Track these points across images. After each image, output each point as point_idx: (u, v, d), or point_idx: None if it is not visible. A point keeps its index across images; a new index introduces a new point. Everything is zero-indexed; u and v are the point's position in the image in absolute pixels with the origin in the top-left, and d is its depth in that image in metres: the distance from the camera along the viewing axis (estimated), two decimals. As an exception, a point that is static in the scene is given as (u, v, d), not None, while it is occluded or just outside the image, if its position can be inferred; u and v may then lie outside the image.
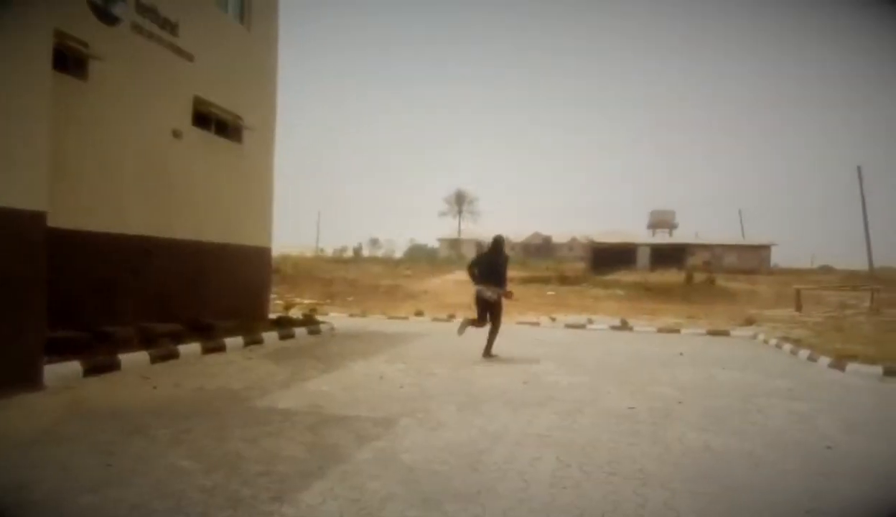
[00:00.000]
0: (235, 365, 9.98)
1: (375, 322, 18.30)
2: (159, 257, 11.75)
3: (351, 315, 20.16)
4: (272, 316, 15.77)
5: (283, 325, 14.22)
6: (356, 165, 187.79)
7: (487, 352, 11.44)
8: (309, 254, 75.13)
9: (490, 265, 11.79)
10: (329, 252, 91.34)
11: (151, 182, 11.66)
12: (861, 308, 24.45)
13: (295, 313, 17.07)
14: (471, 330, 12.08)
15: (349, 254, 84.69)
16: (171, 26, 11.72)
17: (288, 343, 12.90)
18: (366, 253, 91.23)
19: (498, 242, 12.25)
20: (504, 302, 11.95)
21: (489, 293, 11.61)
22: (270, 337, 12.87)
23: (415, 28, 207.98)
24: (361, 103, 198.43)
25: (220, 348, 11.24)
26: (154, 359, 9.68)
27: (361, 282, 35.43)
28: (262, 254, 15.55)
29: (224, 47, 13.71)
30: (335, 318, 18.01)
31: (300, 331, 14.02)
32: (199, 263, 12.88)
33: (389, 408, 7.30)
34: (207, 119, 13.36)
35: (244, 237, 14.57)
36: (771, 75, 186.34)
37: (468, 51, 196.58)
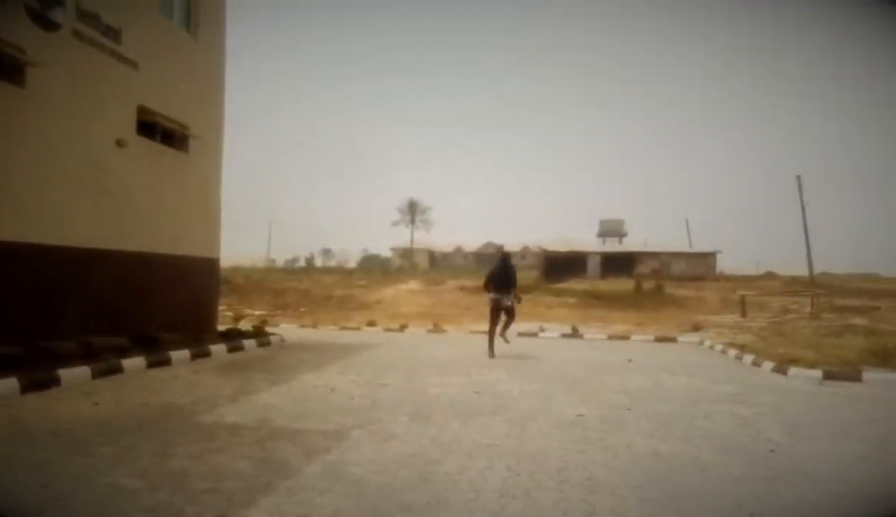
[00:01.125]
0: (182, 379, 9.76)
1: (327, 333, 18.12)
2: (103, 269, 11.44)
3: (302, 326, 19.95)
4: (221, 328, 15.49)
5: (232, 338, 13.97)
6: (308, 175, 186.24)
7: (503, 335, 13.60)
8: (260, 264, 74.16)
9: (502, 277, 13.51)
10: (281, 262, 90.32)
11: (94, 192, 11.36)
12: (802, 313, 25.21)
13: (245, 325, 16.78)
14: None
15: (301, 264, 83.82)
16: (113, 33, 11.45)
17: (237, 355, 12.67)
18: (318, 263, 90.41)
19: (506, 257, 14.14)
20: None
21: (506, 301, 13.40)
22: (219, 349, 12.62)
23: (367, 38, 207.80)
24: (313, 113, 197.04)
25: (166, 362, 10.96)
26: (96, 374, 9.39)
27: (313, 292, 35.10)
28: (210, 265, 15.27)
29: (169, 55, 13.46)
30: (286, 330, 17.80)
31: (250, 344, 13.78)
32: (145, 275, 12.58)
33: (340, 421, 7.22)
34: (153, 128, 13.07)
35: (191, 248, 14.29)
36: (719, 85, 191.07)
37: (420, 61, 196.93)
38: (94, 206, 11.37)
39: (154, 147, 13.15)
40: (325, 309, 26.99)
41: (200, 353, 11.97)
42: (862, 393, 9.74)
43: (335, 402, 8.27)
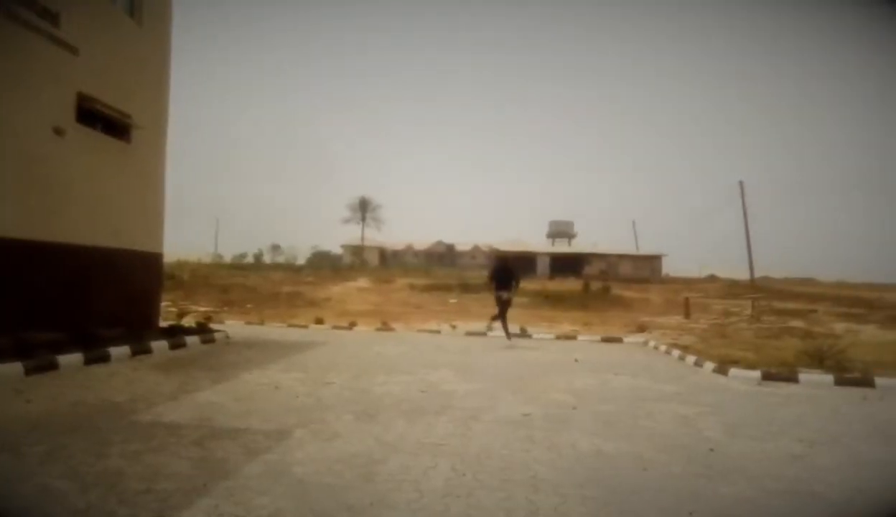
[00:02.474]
0: (120, 376, 9.47)
1: (274, 330, 17.84)
2: (38, 262, 11.04)
3: (248, 323, 19.59)
4: (164, 324, 15.12)
5: (175, 334, 13.62)
6: (258, 171, 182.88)
7: (507, 337, 16.17)
8: (207, 260, 72.83)
9: (502, 276, 16.26)
10: (228, 258, 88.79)
11: (29, 182, 10.94)
12: (743, 315, 25.86)
13: (189, 321, 16.41)
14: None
15: (249, 260, 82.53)
16: (51, 16, 10.98)
17: (179, 352, 12.36)
18: (267, 259, 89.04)
19: (506, 259, 18.17)
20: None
21: (506, 295, 16.11)
22: (160, 346, 12.30)
23: (319, 33, 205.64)
24: (264, 107, 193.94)
25: (105, 358, 10.64)
26: (29, 371, 9.05)
27: (261, 289, 34.60)
28: (152, 259, 14.87)
29: (112, 42, 13.05)
30: (232, 326, 17.48)
31: (193, 340, 13.47)
32: (83, 268, 12.18)
33: (283, 420, 7.10)
34: (93, 116, 12.64)
35: (133, 241, 13.90)
36: (667, 91, 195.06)
37: (372, 58, 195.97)
38: (29, 195, 10.95)
39: (94, 136, 12.72)
40: (272, 306, 26.58)
41: (141, 350, 11.66)
42: (798, 393, 10.02)
43: (279, 401, 8.12)
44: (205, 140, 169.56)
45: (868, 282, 65.61)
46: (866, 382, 10.64)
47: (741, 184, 56.38)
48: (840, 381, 10.72)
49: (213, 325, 15.76)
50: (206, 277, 40.04)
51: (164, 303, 19.07)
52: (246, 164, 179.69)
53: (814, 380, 10.88)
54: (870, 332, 19.01)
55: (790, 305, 31.34)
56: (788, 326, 21.03)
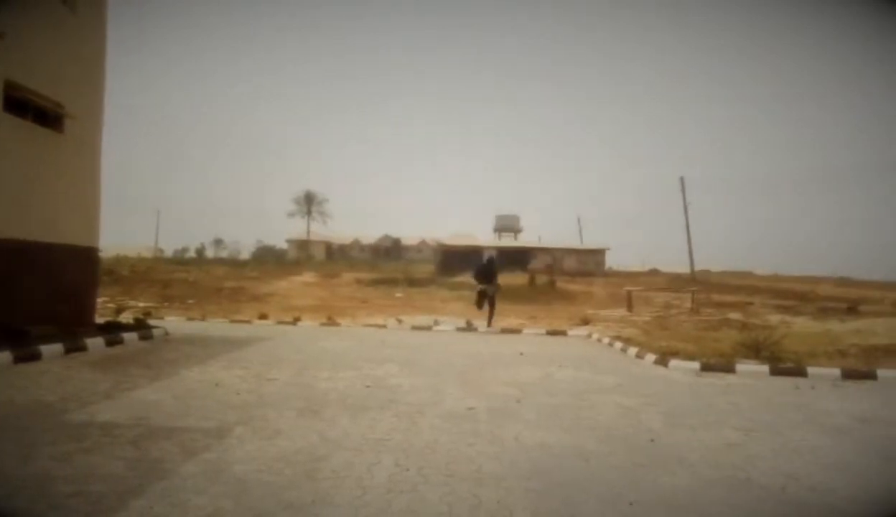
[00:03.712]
0: (52, 374, 9.12)
1: (216, 326, 17.46)
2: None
3: (190, 319, 19.12)
4: (100, 321, 14.64)
5: (111, 331, 13.20)
6: (199, 164, 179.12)
7: (490, 324, 18.05)
8: (147, 255, 71.08)
9: (487, 273, 18.43)
10: (170, 253, 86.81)
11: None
12: (683, 308, 26.41)
13: (127, 318, 15.93)
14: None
15: (191, 255, 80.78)
16: (-25, 0, 10.52)
17: (115, 350, 11.97)
18: (210, 254, 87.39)
19: (491, 258, 20.17)
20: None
21: (490, 290, 18.19)
22: (95, 343, 11.90)
23: (262, 23, 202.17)
24: (207, 99, 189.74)
25: (35, 356, 10.24)
26: (-46, 371, 8.65)
27: (203, 284, 33.85)
28: (87, 253, 14.37)
29: (43, 28, 12.52)
30: (172, 323, 17.04)
31: (130, 337, 13.07)
32: (12, 263, 11.68)
33: (223, 417, 6.94)
34: (23, 105, 12.13)
35: (66, 235, 13.40)
36: (612, 88, 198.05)
37: (319, 46, 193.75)
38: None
39: (24, 126, 12.19)
40: (214, 301, 26.03)
41: (75, 347, 11.26)
42: (735, 383, 10.29)
43: (219, 398, 7.94)
44: (146, 132, 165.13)
45: (801, 276, 68.03)
46: (799, 372, 11.00)
47: (682, 180, 57.66)
48: (775, 371, 11.06)
49: (152, 322, 15.33)
50: (146, 272, 39.00)
51: (101, 300, 18.50)
52: (188, 157, 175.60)
53: (750, 370, 11.19)
54: (802, 324, 19.64)
55: (728, 298, 32.17)
56: (726, 318, 21.58)
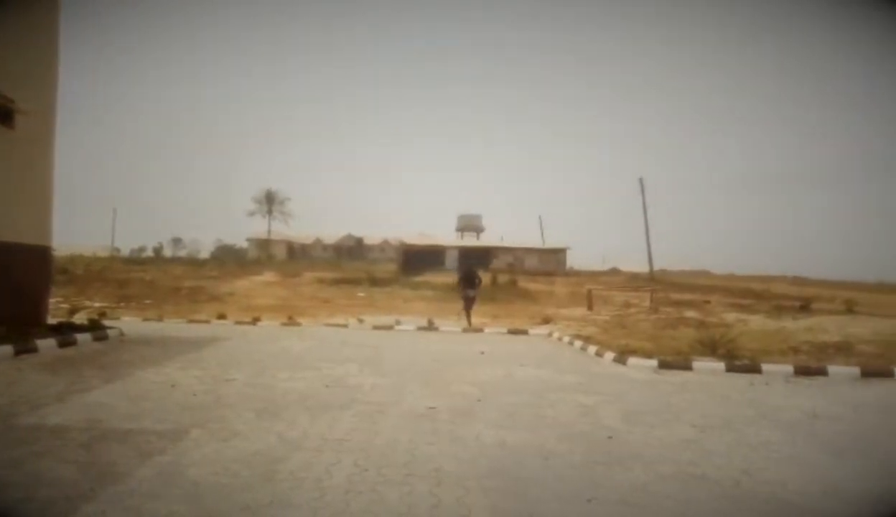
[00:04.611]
0: (1, 377, 8.86)
1: (173, 326, 17.15)
2: None
3: (146, 319, 18.75)
4: (53, 321, 14.27)
5: (64, 332, 12.88)
6: (157, 162, 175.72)
7: (468, 325, 18.83)
8: (103, 254, 69.60)
9: (468, 278, 20.08)
10: (126, 252, 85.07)
11: None
12: (642, 307, 26.77)
13: (81, 318, 15.56)
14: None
15: (149, 254, 79.28)
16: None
17: (68, 351, 11.68)
18: (168, 253, 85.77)
19: (472, 266, 22.23)
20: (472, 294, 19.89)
21: (471, 293, 19.81)
22: (47, 344, 11.59)
23: (220, 17, 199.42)
24: (165, 96, 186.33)
25: (-16, 359, 9.94)
26: None
27: (161, 283, 33.26)
28: (39, 252, 14.00)
29: (-8, 22, 12.17)
30: (128, 323, 16.69)
31: (84, 338, 12.76)
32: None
33: (179, 419, 6.83)
34: (-29, 100, 11.78)
35: (16, 233, 13.02)
36: (571, 87, 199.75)
37: (279, 43, 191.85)
38: None
39: (-28, 121, 11.85)
40: (172, 301, 25.57)
41: (25, 349, 10.96)
42: (692, 380, 10.46)
43: (175, 400, 7.80)
44: (103, 130, 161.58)
45: (757, 275, 69.56)
46: (754, 369, 11.22)
47: (641, 181, 58.45)
48: (730, 368, 11.27)
49: (107, 322, 14.99)
50: (102, 272, 38.23)
51: (54, 300, 18.06)
52: (146, 155, 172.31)
53: (707, 367, 11.39)
54: (757, 322, 20.04)
55: (686, 297, 32.70)
56: (684, 317, 21.93)
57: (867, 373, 10.98)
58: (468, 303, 19.68)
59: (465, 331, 18.14)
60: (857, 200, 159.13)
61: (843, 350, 13.40)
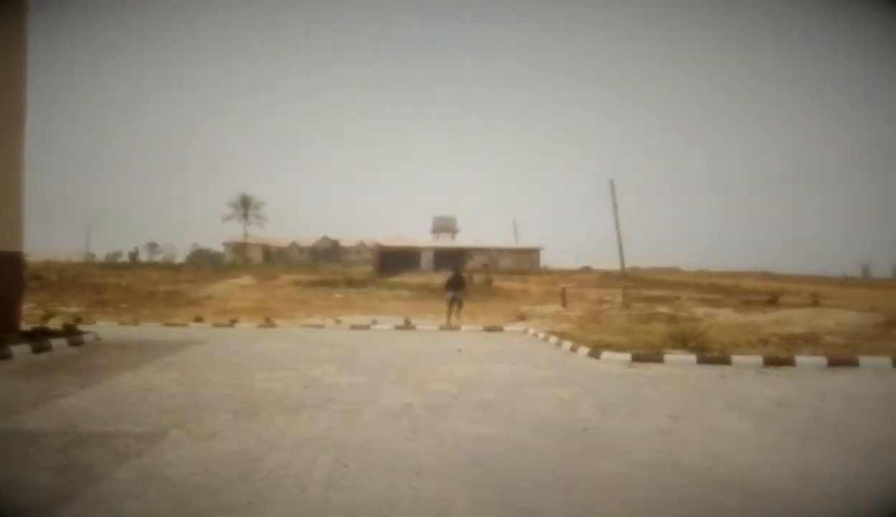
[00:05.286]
0: (-26, 384, 8.78)
1: (150, 330, 17.02)
2: None
3: (122, 323, 18.60)
4: (26, 327, 14.11)
5: (38, 337, 12.76)
6: (133, 167, 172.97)
7: (457, 325, 19.13)
8: (78, 259, 68.68)
9: (455, 283, 20.22)
10: (102, 257, 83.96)
11: None
12: (615, 303, 27.05)
13: (56, 324, 15.40)
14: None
15: (125, 259, 78.27)
16: None
17: (43, 356, 11.58)
18: (144, 258, 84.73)
19: (459, 269, 22.90)
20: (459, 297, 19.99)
21: (459, 295, 19.92)
22: (21, 351, 11.49)
23: (196, 22, 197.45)
24: (139, 100, 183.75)
25: (-44, 366, 9.82)
26: None
27: (137, 288, 32.96)
28: (10, 258, 13.82)
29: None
30: (104, 328, 16.53)
31: (59, 343, 12.66)
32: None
33: (157, 421, 6.83)
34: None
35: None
36: (543, 87, 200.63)
37: (253, 47, 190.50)
38: None
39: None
40: (149, 305, 25.35)
41: (-1, 355, 10.85)
42: (664, 372, 10.64)
43: (152, 402, 7.79)
44: (77, 136, 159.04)
45: (726, 271, 70.50)
46: (724, 360, 11.45)
47: (611, 182, 58.81)
48: (701, 361, 11.48)
49: (83, 327, 14.86)
50: (77, 277, 37.80)
51: (28, 305, 17.84)
52: (121, 160, 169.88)
53: (678, 360, 11.59)
54: (727, 316, 20.35)
55: (657, 293, 33.13)
56: (656, 312, 22.21)
57: (833, 363, 11.25)
58: (454, 305, 19.93)
59: (441, 329, 18.23)
60: (824, 198, 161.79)
61: (810, 341, 13.69)
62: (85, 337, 13.63)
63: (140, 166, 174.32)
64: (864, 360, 11.30)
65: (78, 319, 16.44)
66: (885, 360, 11.29)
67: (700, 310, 22.43)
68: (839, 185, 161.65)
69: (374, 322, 19.45)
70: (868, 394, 8.87)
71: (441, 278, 44.38)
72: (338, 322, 19.58)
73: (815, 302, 23.13)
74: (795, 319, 17.71)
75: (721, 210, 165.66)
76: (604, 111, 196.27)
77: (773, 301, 24.69)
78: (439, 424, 6.87)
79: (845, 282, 48.74)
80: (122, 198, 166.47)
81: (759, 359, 11.45)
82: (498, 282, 41.85)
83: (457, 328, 18.49)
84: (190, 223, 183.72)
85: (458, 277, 20.80)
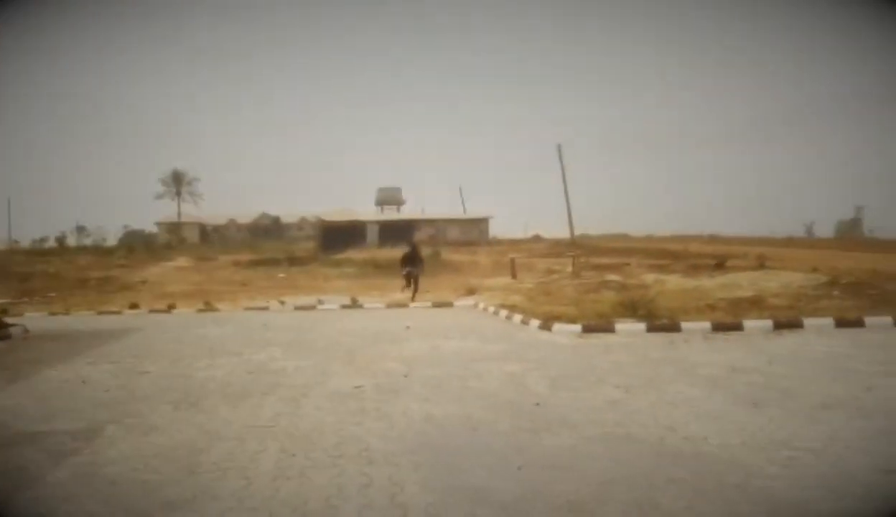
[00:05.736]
0: None
1: (82, 319, 16.35)
2: None
3: (52, 313, 17.82)
4: (-54, 322, 13.36)
5: (-39, 332, 12.09)
6: (54, 148, 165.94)
7: (413, 299, 19.23)
8: (0, 247, 65.96)
9: (412, 258, 20.37)
10: (26, 243, 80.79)
11: None
12: (565, 272, 27.19)
13: (-21, 317, 14.63)
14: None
15: (51, 244, 75.54)
16: None
17: (-34, 352, 10.97)
18: (72, 242, 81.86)
19: (415, 244, 22.36)
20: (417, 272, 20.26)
21: (415, 272, 20.03)
22: (-57, 347, 10.86)
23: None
24: (62, 75, 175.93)
25: None
26: None
27: (66, 275, 31.73)
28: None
29: None
30: (32, 319, 15.78)
31: (-16, 337, 12.03)
32: None
33: (93, 417, 6.52)
34: None
35: None
36: (488, 50, 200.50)
37: (189, 21, 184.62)
38: None
39: None
40: (80, 293, 24.38)
41: (-83, 353, 10.22)
42: (615, 342, 10.69)
43: (87, 396, 7.45)
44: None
45: (673, 235, 72.11)
46: (673, 328, 11.56)
47: (559, 147, 59.15)
48: (651, 328, 11.58)
49: (8, 319, 14.16)
50: (1, 266, 36.16)
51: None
52: (42, 141, 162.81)
53: (628, 329, 11.66)
54: (675, 281, 20.64)
55: (606, 260, 33.41)
56: (605, 280, 22.35)
57: (779, 326, 11.47)
58: (410, 281, 20.08)
59: (388, 307, 18.03)
60: (769, 159, 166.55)
61: (757, 304, 13.94)
62: (12, 330, 12.97)
63: (62, 146, 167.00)
64: (808, 322, 11.55)
65: (3, 311, 15.69)
66: (828, 321, 11.57)
67: (650, 277, 22.69)
68: (784, 145, 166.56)
69: (320, 302, 19.10)
70: (812, 356, 9.04)
71: (387, 254, 44.36)
72: (282, 303, 19.16)
73: (761, 264, 23.62)
74: (742, 282, 18.07)
75: (670, 172, 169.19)
76: (549, 71, 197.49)
77: (720, 265, 25.12)
78: (389, 406, 6.73)
79: (790, 243, 50.23)
80: (45, 180, 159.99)
81: (707, 325, 11.60)
82: (446, 254, 41.72)
83: (403, 304, 18.32)
84: (120, 204, 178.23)
85: (415, 253, 20.87)
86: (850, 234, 77.63)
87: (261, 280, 28.30)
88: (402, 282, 20.30)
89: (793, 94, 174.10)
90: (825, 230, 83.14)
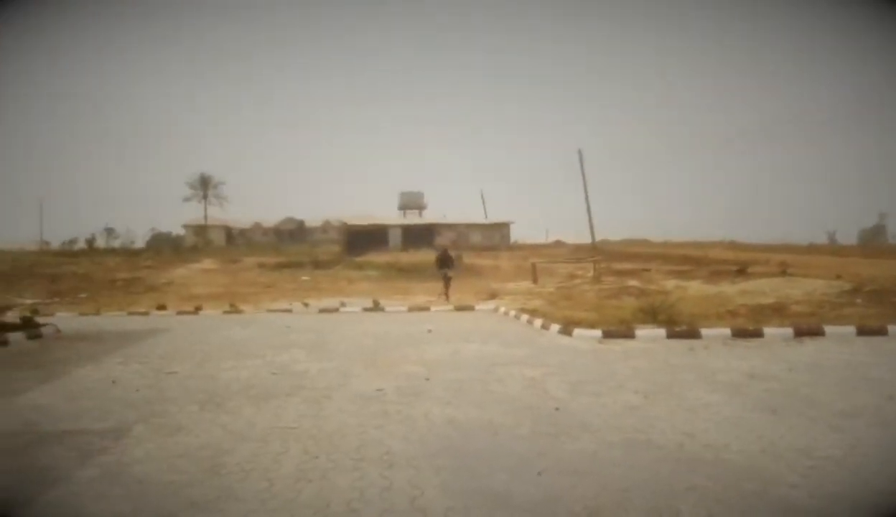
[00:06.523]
0: (-73, 383, 8.46)
1: (111, 320, 16.63)
2: None
3: (82, 314, 18.14)
4: (-20, 322, 13.67)
5: (-6, 332, 12.36)
6: (85, 151, 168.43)
7: (447, 298, 20.58)
8: (32, 248, 67.11)
9: (444, 260, 22.30)
10: (57, 245, 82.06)
11: None
12: (586, 277, 27.15)
13: (13, 317, 14.96)
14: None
15: (81, 246, 76.64)
16: None
17: (-1, 352, 11.23)
18: (101, 244, 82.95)
19: (445, 248, 25.29)
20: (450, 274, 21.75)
21: (449, 273, 21.64)
22: (-24, 346, 11.12)
23: (147, 2, 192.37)
24: (91, 82, 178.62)
25: None
26: None
27: (95, 276, 32.24)
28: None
29: None
30: (63, 319, 16.08)
31: (16, 337, 12.29)
32: None
33: (121, 416, 6.66)
34: None
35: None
36: (510, 65, 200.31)
37: (212, 25, 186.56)
38: None
39: None
40: (108, 293, 24.79)
41: (-48, 352, 10.49)
42: (635, 348, 10.67)
43: (116, 396, 7.60)
44: (25, 121, 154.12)
45: (694, 241, 71.45)
46: (693, 334, 11.52)
47: (580, 153, 58.98)
48: (671, 334, 11.54)
49: (40, 319, 14.45)
50: (32, 267, 36.85)
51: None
52: (73, 144, 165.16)
53: (649, 334, 11.63)
54: (696, 287, 20.55)
55: (627, 266, 33.32)
56: (626, 286, 22.29)
57: (800, 333, 11.38)
58: (447, 282, 21.42)
59: (410, 310, 18.11)
60: (793, 166, 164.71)
61: (778, 311, 13.85)
62: (44, 329, 13.26)
63: (93, 151, 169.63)
64: (830, 330, 11.46)
65: (35, 311, 16.01)
66: (850, 329, 11.47)
67: (670, 283, 22.60)
68: (806, 151, 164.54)
69: (343, 304, 19.23)
70: (832, 364, 8.98)
71: (409, 257, 44.63)
72: (305, 305, 19.33)
73: (783, 271, 23.41)
74: (764, 289, 17.94)
75: (691, 177, 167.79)
76: (573, 79, 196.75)
77: (742, 271, 24.96)
78: (410, 409, 6.79)
79: (812, 250, 49.64)
80: (76, 183, 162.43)
81: (727, 332, 11.54)
82: (468, 258, 41.72)
83: (425, 308, 18.39)
84: (148, 207, 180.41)
85: (446, 255, 22.94)
86: (873, 242, 76.59)
87: (285, 282, 28.55)
88: (442, 287, 21.49)
89: (818, 99, 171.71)
90: (848, 237, 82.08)
